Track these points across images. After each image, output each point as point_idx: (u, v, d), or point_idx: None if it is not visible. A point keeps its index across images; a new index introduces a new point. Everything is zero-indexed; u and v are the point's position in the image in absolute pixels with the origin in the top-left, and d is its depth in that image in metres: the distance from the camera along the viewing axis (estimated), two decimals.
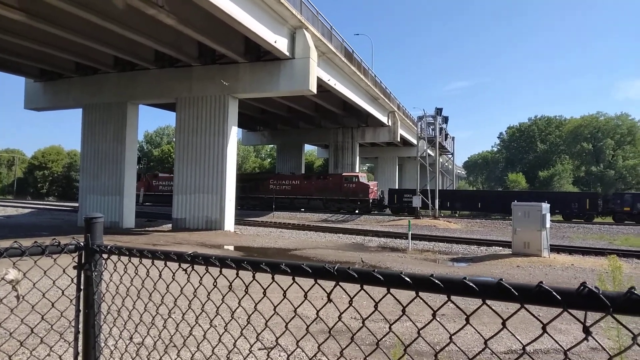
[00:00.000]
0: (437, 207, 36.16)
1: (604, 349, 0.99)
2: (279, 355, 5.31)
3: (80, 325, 2.23)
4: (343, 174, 41.08)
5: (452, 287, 1.13)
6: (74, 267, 2.23)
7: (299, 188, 40.99)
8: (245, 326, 1.78)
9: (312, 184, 40.55)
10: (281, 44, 22.17)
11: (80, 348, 2.24)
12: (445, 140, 46.75)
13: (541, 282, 1.02)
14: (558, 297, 1.00)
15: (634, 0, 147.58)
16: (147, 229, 26.49)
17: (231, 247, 19.98)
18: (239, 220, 28.56)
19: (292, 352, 1.68)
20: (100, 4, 18.15)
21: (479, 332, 1.22)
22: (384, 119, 43.09)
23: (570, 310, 1.00)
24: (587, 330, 0.99)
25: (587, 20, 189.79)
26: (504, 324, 1.09)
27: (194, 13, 19.27)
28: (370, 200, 38.90)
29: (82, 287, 2.24)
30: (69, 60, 25.52)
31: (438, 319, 1.19)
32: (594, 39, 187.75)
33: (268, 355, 1.80)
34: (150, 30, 20.40)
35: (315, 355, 1.72)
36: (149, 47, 23.02)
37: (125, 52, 23.10)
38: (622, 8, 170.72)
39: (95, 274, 2.20)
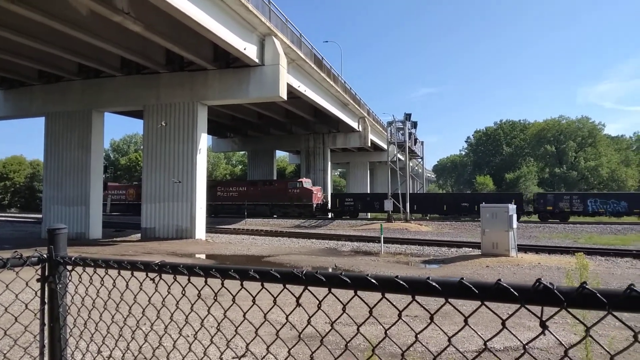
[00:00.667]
0: (408, 210, 36.63)
1: (561, 343, 1.04)
2: (250, 358, 5.27)
3: (46, 340, 2.17)
4: (287, 180, 43.42)
5: (416, 288, 1.16)
6: (37, 280, 2.17)
7: (245, 194, 42.00)
8: (215, 334, 1.78)
9: (259, 190, 41.83)
10: (250, 51, 22.12)
11: None
12: (415, 144, 47.47)
13: (499, 279, 1.06)
14: (515, 293, 1.04)
15: (594, 6, 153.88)
16: (115, 239, 25.86)
17: (203, 256, 19.72)
18: (210, 229, 28.22)
19: (264, 358, 1.68)
20: (63, 11, 17.70)
21: (443, 332, 1.26)
22: (354, 124, 43.45)
23: (528, 307, 1.05)
24: (543, 325, 1.04)
25: (548, 26, 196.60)
26: (466, 321, 1.12)
27: (161, 20, 19.02)
28: (314, 205, 40.31)
29: (46, 301, 2.18)
30: (31, 67, 24.78)
31: (410, 320, 1.22)
32: (557, 44, 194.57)
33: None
34: (116, 37, 20.01)
35: None
36: (114, 54, 22.59)
37: (90, 59, 22.58)
38: (582, 14, 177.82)
39: (60, 286, 2.15)
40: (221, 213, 41.70)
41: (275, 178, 50.07)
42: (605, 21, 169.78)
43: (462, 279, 1.09)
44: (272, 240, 24.98)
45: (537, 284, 1.03)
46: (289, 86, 25.45)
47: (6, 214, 53.96)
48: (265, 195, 41.21)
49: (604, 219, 33.53)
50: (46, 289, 2.17)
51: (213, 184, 45.79)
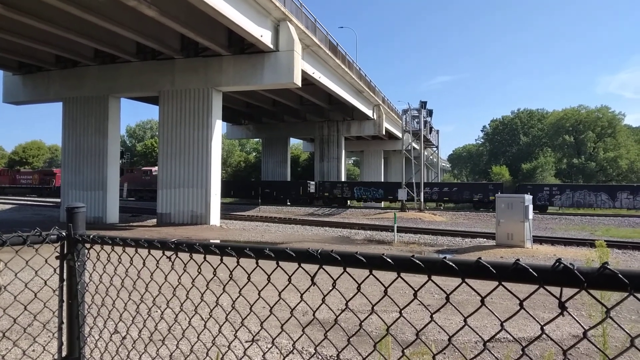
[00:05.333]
0: (422, 199, 36.45)
1: (579, 323, 1.02)
2: (264, 339, 5.34)
3: (64, 316, 2.22)
4: (142, 168, 51.97)
5: (432, 267, 1.15)
6: (57, 258, 2.21)
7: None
8: (230, 311, 1.79)
9: (123, 176, 47.30)
10: (265, 36, 22.02)
11: (64, 338, 2.22)
12: (430, 133, 47.00)
13: (518, 259, 1.05)
14: (534, 273, 1.02)
15: None
16: (131, 224, 26.22)
17: (217, 242, 19.88)
18: (224, 215, 28.44)
19: (277, 336, 1.70)
20: None
21: (460, 312, 1.24)
22: (369, 112, 43.18)
23: (547, 287, 1.03)
24: (562, 306, 1.02)
25: (568, 15, 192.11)
26: (482, 301, 1.11)
27: (176, 5, 19.02)
28: None
29: (65, 278, 2.22)
30: (49, 52, 25.02)
31: (422, 309, 1.21)
32: (576, 34, 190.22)
33: (253, 339, 1.82)
34: (131, 22, 20.08)
35: (299, 339, 1.73)
36: (130, 39, 22.66)
37: (106, 45, 22.71)
38: (602, 3, 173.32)
39: (78, 264, 2.19)
40: None
41: (289, 166, 50.78)
42: (627, 9, 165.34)
43: (480, 258, 1.08)
44: (286, 227, 25.09)
45: (557, 264, 1.01)
46: (304, 72, 25.32)
47: (26, 198, 54.93)
48: (128, 180, 49.20)
49: (374, 203, 43.42)
50: (65, 266, 2.21)
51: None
